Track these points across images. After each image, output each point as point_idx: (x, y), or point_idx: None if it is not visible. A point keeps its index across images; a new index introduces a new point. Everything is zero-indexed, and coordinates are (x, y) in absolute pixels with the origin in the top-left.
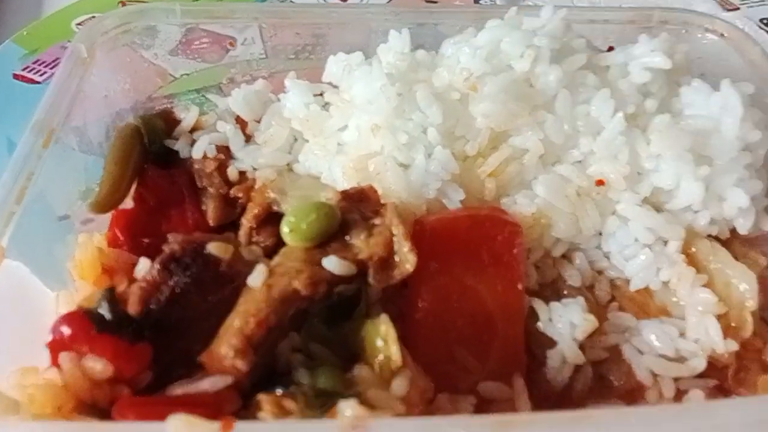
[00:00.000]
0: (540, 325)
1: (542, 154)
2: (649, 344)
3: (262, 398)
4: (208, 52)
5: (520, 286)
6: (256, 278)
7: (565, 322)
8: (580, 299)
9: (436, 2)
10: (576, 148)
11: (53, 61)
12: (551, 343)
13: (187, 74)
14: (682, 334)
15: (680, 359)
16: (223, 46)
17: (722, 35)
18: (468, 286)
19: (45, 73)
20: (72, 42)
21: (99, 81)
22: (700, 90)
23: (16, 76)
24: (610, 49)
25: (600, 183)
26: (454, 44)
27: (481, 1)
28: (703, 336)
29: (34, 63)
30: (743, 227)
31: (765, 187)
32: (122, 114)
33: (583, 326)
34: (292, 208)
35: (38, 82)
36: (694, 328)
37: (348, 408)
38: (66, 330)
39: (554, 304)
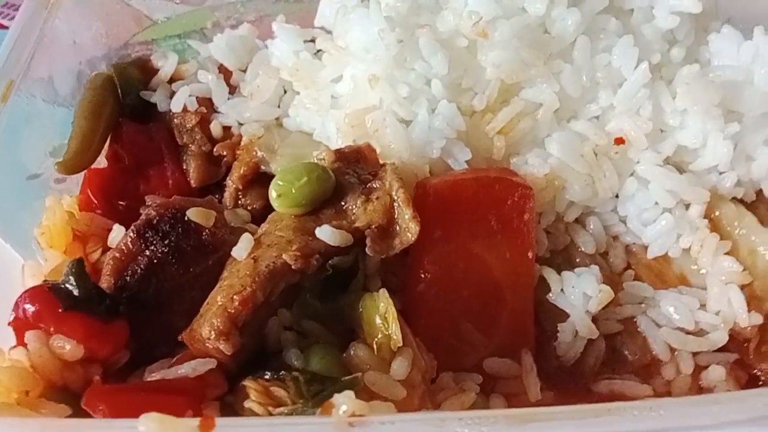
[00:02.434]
0: (551, 296)
1: (557, 108)
2: (667, 316)
3: (250, 385)
4: None
5: (530, 255)
6: (242, 249)
7: (578, 294)
8: (595, 268)
9: None
10: (594, 101)
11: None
12: (562, 316)
13: (167, 18)
14: (702, 306)
15: (700, 332)
16: None
17: None
18: (474, 255)
19: (15, 17)
20: None
21: (67, 26)
22: (730, 37)
23: None
24: None
25: (619, 141)
26: None
27: None
28: (725, 308)
29: (4, 6)
30: None
31: None
32: (94, 62)
33: (597, 298)
34: (281, 170)
35: (7, 28)
36: (716, 299)
37: (344, 402)
38: (29, 308)
39: (566, 274)
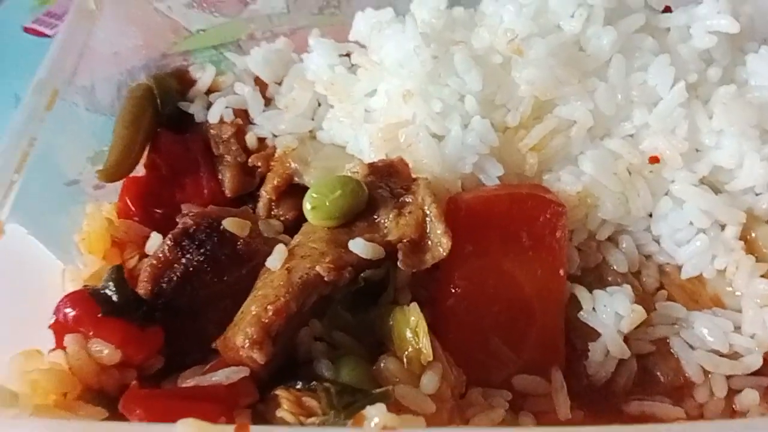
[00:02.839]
0: (582, 314)
1: (591, 126)
2: (701, 338)
3: (281, 394)
4: (226, 4)
5: (561, 272)
6: (276, 260)
7: (610, 313)
8: (627, 287)
9: None
10: (628, 120)
11: (64, 14)
12: (593, 335)
13: (204, 29)
14: (737, 328)
15: (734, 355)
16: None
17: None
18: (505, 271)
19: (56, 26)
20: None
21: (108, 36)
22: (767, 58)
23: (26, 30)
24: (666, 9)
25: (654, 160)
26: (496, 0)
27: None
28: (760, 331)
29: (45, 15)
30: None
31: None
32: (134, 72)
33: (629, 317)
34: (315, 182)
35: (48, 36)
36: (750, 321)
37: (376, 415)
38: (70, 312)
39: (598, 293)
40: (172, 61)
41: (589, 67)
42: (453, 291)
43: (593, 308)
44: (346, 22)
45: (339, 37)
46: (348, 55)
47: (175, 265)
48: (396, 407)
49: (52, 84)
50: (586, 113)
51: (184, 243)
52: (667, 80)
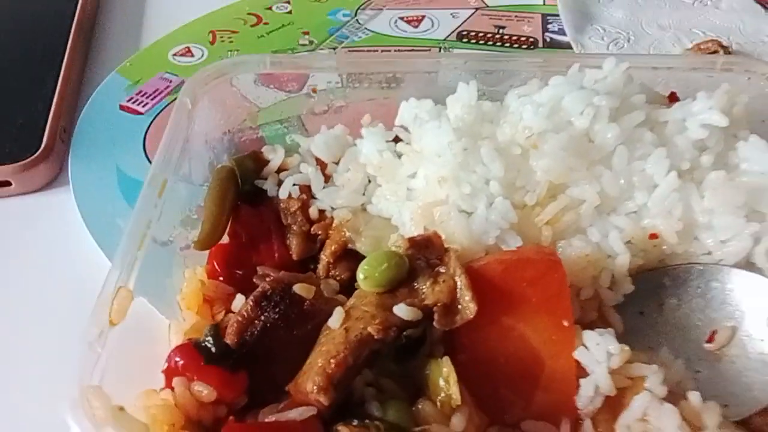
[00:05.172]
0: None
1: (598, 204)
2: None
3: (342, 429)
4: (287, 83)
5: (566, 323)
6: (335, 320)
7: (602, 351)
8: (610, 329)
9: (504, 28)
10: (631, 200)
11: (153, 92)
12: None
13: (272, 104)
14: None
15: None
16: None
17: None
18: (507, 326)
19: (146, 104)
20: (178, 97)
21: (201, 129)
22: (757, 146)
23: (122, 107)
24: (672, 95)
25: (653, 236)
26: (518, 97)
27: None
28: None
29: (137, 94)
30: None
31: None
32: (219, 154)
33: (618, 355)
34: (367, 257)
35: (141, 113)
36: None
37: None
38: (179, 360)
39: (587, 333)
40: (245, 135)
41: (595, 156)
42: (462, 347)
43: (584, 346)
44: (396, 100)
45: (387, 119)
46: (395, 140)
47: (256, 322)
48: None
49: (162, 177)
50: (593, 194)
51: (263, 303)
52: (663, 170)
